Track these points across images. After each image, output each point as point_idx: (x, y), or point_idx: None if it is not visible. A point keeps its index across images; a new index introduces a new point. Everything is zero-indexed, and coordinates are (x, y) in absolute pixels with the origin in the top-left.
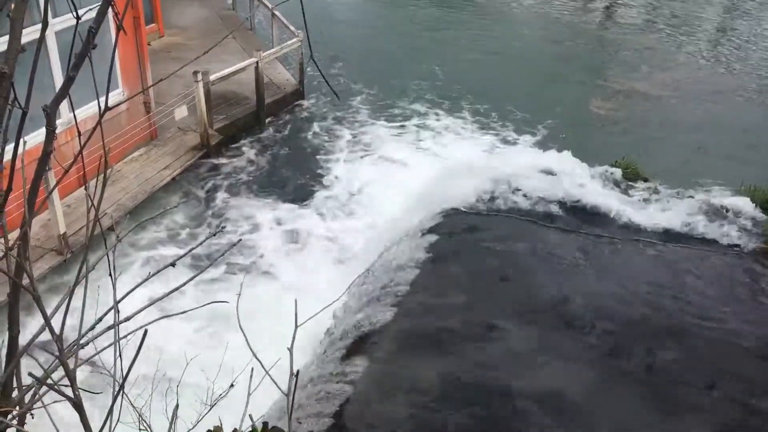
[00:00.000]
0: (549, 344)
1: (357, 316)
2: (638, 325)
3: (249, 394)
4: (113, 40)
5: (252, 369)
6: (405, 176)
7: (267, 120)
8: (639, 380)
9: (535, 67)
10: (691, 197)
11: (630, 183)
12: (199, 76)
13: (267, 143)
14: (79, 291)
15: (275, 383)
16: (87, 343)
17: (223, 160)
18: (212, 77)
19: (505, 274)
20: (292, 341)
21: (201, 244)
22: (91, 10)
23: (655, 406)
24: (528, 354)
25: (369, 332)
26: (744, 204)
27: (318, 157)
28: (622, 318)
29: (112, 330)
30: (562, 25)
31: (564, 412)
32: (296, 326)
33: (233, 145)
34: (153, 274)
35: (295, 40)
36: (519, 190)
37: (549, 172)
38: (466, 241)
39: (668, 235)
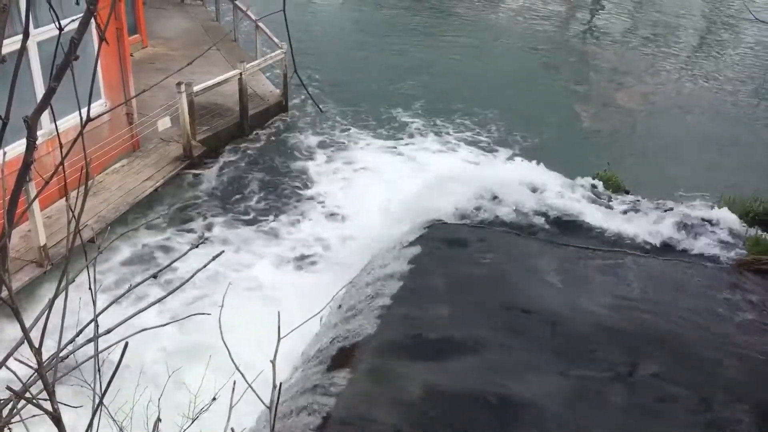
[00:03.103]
0: (532, 355)
1: (340, 328)
2: (621, 335)
3: (231, 407)
4: (96, 51)
5: (234, 382)
6: (388, 188)
7: (250, 131)
8: (621, 390)
9: (516, 79)
10: (672, 209)
11: (611, 195)
12: (183, 87)
13: (250, 154)
14: (59, 303)
15: (258, 396)
16: (67, 356)
17: (206, 171)
18: (196, 88)
19: (488, 285)
20: (275, 354)
21: (183, 255)
22: (73, 21)
23: (637, 416)
24: (511, 365)
25: (353, 344)
26: (724, 216)
27: (301, 168)
28: (605, 328)
29: (93, 343)
30: (544, 37)
31: (547, 422)
32: (279, 338)
33: (216, 157)
34: (134, 286)
35: (278, 51)
36: (501, 201)
37: (531, 184)
38: (449, 252)
39: (650, 247)
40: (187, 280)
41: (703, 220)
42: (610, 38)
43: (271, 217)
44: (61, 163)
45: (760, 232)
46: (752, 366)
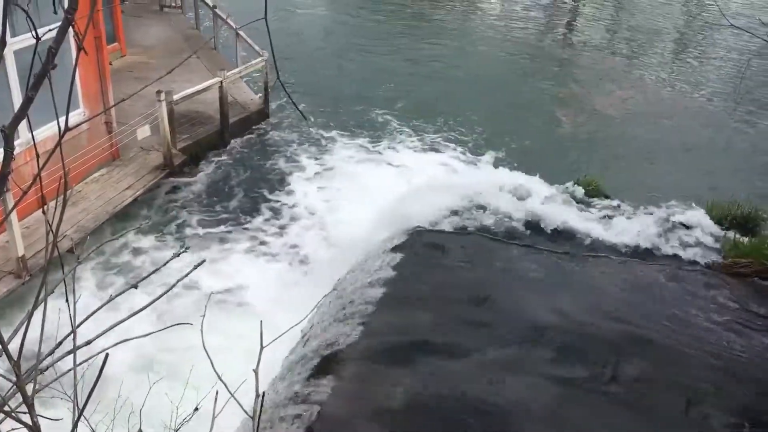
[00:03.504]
0: (515, 359)
1: (323, 336)
2: (602, 339)
3: (214, 417)
4: (74, 60)
5: (217, 392)
6: (370, 195)
7: (231, 139)
8: (603, 393)
9: (497, 85)
10: (652, 213)
11: (592, 200)
12: (162, 96)
13: (231, 163)
14: (38, 314)
15: (240, 405)
16: (46, 369)
17: (186, 180)
18: (176, 97)
19: (471, 291)
20: (258, 362)
21: (164, 265)
22: (51, 30)
23: (619, 417)
24: (495, 370)
25: (336, 351)
26: (702, 220)
27: (282, 176)
28: (587, 332)
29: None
30: (524, 43)
31: (531, 426)
32: (261, 347)
33: (197, 165)
34: (114, 297)
35: (259, 59)
36: (483, 208)
37: (512, 190)
38: (432, 259)
39: (630, 251)
40: (168, 290)
41: (682, 224)
42: (590, 44)
43: (252, 225)
44: (39, 174)
45: (737, 235)
46: (730, 367)
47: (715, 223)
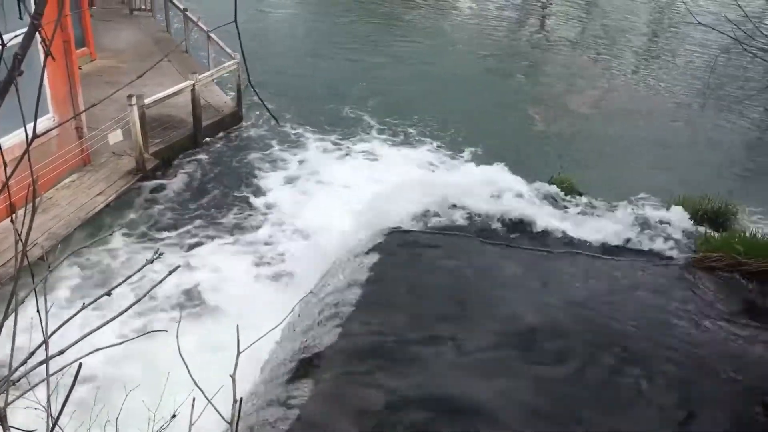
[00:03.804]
0: (493, 357)
1: (301, 339)
2: (578, 335)
3: (191, 424)
4: (42, 65)
5: (194, 399)
6: (345, 196)
7: (205, 143)
8: (580, 388)
9: (470, 84)
10: (625, 210)
11: (566, 197)
12: (134, 100)
13: (204, 166)
14: (9, 324)
15: (218, 411)
16: (18, 380)
17: (159, 185)
18: (147, 101)
19: (448, 291)
20: (235, 368)
21: (138, 271)
22: (17, 36)
23: (595, 413)
24: (473, 368)
25: (314, 354)
26: (675, 215)
27: (256, 179)
28: (563, 329)
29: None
30: (497, 43)
31: (510, 424)
32: (238, 352)
33: (170, 169)
34: (87, 305)
35: (231, 62)
36: (459, 207)
37: (488, 188)
38: (409, 259)
39: (605, 248)
40: (142, 297)
41: (655, 220)
42: (561, 43)
43: (226, 229)
44: (7, 182)
45: (709, 230)
46: (700, 360)
47: (687, 218)
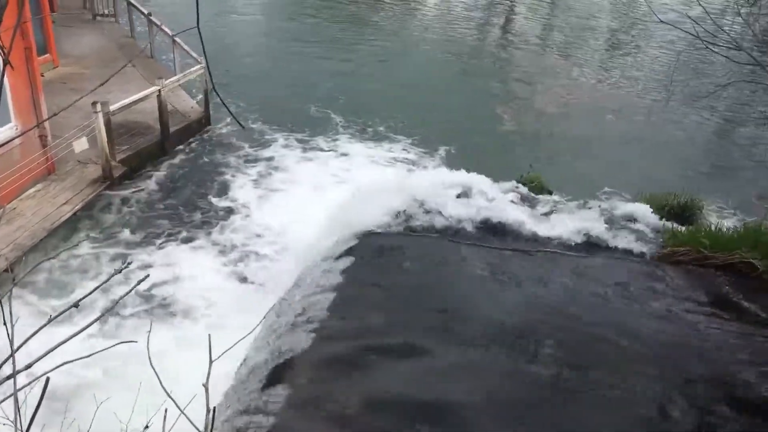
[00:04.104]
0: (468, 358)
1: (275, 345)
2: (552, 333)
3: None
4: (0, 74)
5: (166, 410)
6: (315, 200)
7: (173, 149)
8: (556, 386)
9: (438, 85)
10: (594, 207)
11: (536, 196)
12: (99, 107)
13: (173, 172)
14: None
15: (191, 422)
16: None
17: (127, 193)
18: (112, 107)
19: (422, 292)
20: (208, 377)
21: (106, 281)
22: None
23: (570, 409)
24: (448, 368)
25: (288, 360)
26: (642, 211)
27: (225, 183)
28: (536, 328)
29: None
30: (463, 44)
31: (487, 425)
32: (211, 361)
33: (138, 176)
34: (54, 317)
35: (198, 66)
36: (430, 208)
37: (459, 189)
38: (381, 261)
39: (575, 246)
40: (111, 308)
41: (623, 216)
42: (527, 43)
43: (197, 235)
44: None
45: (675, 225)
46: (672, 354)
47: (654, 213)
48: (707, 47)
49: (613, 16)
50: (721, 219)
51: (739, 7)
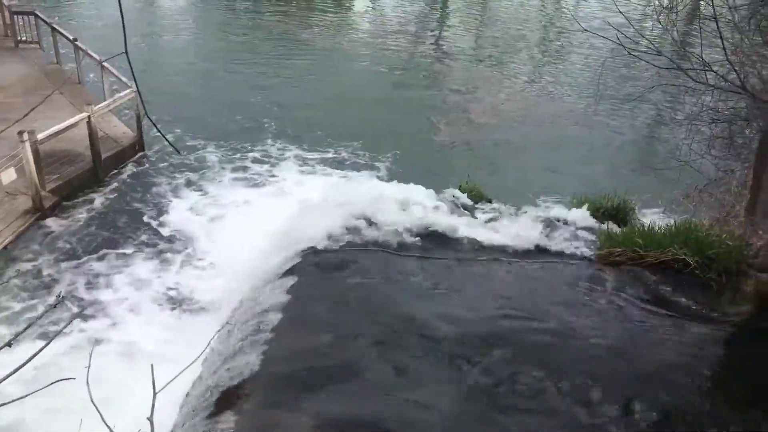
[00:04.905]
0: (418, 371)
1: (222, 370)
2: (497, 341)
3: None
4: None
5: None
6: (255, 221)
7: (105, 176)
8: (501, 395)
9: (372, 99)
10: (532, 213)
11: (475, 205)
12: (25, 136)
13: (106, 200)
14: None
15: None
16: None
17: (59, 224)
18: (40, 136)
19: (368, 307)
20: (152, 410)
21: (41, 317)
22: None
23: (523, 416)
24: (401, 383)
25: (236, 385)
26: (578, 215)
27: (162, 208)
28: (481, 336)
29: None
30: (396, 57)
31: None
32: (155, 393)
33: (70, 206)
34: None
35: (128, 91)
36: (372, 222)
37: (399, 201)
38: (326, 278)
39: (516, 252)
40: (44, 347)
41: (560, 220)
42: (460, 54)
43: (133, 263)
44: None
45: (611, 226)
46: (615, 352)
47: (589, 216)
48: (630, 54)
49: (541, 25)
50: (652, 218)
51: (657, 14)
